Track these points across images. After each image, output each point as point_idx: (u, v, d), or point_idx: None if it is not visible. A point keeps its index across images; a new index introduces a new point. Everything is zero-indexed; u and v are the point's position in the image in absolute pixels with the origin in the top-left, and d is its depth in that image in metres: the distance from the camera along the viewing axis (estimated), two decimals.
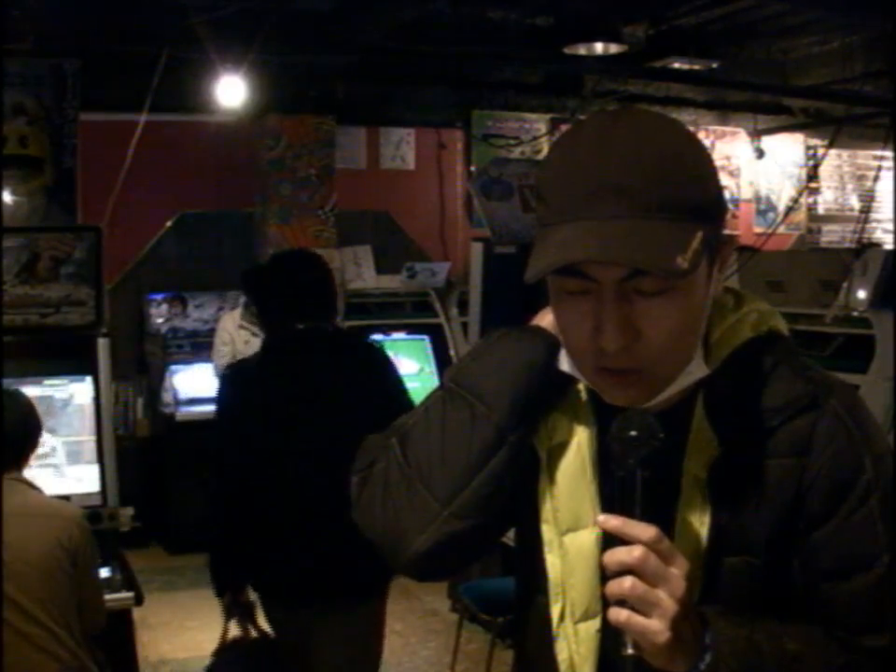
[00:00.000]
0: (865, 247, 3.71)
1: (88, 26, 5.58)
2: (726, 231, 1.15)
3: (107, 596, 2.87)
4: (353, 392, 2.83)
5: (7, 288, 3.56)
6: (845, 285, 3.28)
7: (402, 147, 7.67)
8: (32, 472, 2.89)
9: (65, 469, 3.51)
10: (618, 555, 1.01)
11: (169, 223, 6.96)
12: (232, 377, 3.02)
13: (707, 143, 8.91)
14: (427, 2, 5.60)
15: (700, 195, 1.08)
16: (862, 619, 1.13)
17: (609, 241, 1.02)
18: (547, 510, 1.19)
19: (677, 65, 6.67)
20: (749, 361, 1.16)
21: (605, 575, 1.10)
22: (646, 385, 1.11)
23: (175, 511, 6.21)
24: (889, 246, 5.72)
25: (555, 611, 1.18)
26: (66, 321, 3.65)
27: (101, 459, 3.50)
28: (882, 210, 8.80)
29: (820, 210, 9.42)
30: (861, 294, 3.22)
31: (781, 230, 7.60)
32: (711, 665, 1.04)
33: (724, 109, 8.26)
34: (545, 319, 1.23)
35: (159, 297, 6.63)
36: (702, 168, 1.10)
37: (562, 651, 1.17)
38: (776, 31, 6.66)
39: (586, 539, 1.16)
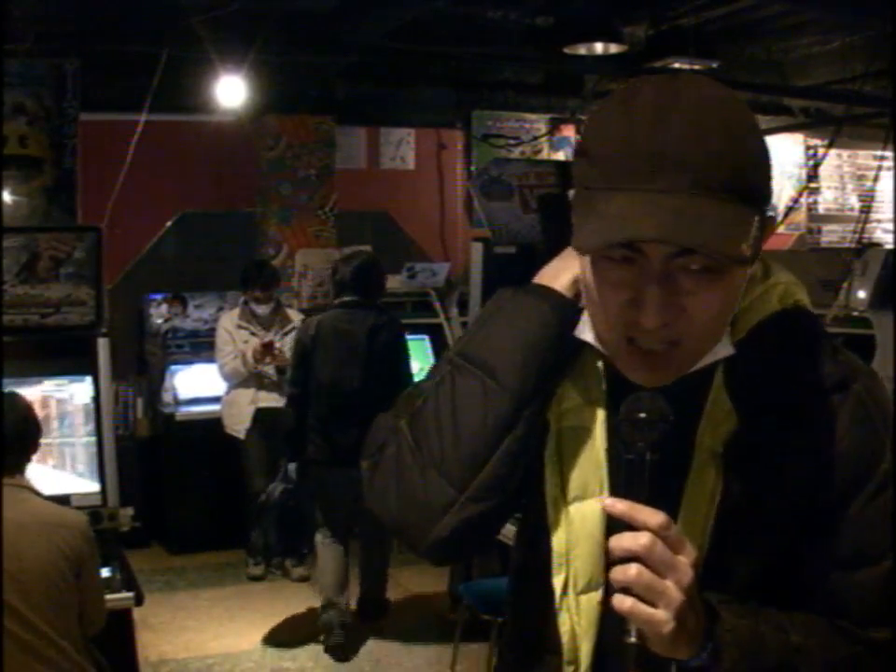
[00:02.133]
0: (865, 247, 3.71)
1: (88, 26, 5.58)
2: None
3: (107, 596, 2.86)
4: (379, 340, 4.63)
5: (6, 288, 3.56)
6: (845, 285, 3.28)
7: (402, 147, 7.67)
8: (31, 472, 2.88)
9: (65, 468, 3.51)
10: (624, 541, 0.98)
11: (169, 223, 6.96)
12: (304, 327, 4.81)
13: None
14: (427, 2, 5.60)
15: (759, 178, 1.04)
16: (869, 611, 1.11)
17: (672, 218, 0.97)
18: (553, 478, 1.15)
19: (677, 65, 6.66)
20: (776, 335, 1.13)
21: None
22: (671, 366, 1.07)
23: (175, 511, 6.20)
24: (889, 246, 5.72)
25: (558, 583, 1.15)
26: (66, 321, 3.65)
27: (101, 459, 3.50)
28: (882, 210, 8.79)
29: (820, 210, 9.42)
30: (861, 294, 3.22)
31: (781, 230, 7.60)
32: (713, 655, 1.03)
33: None
34: (561, 279, 1.16)
35: (159, 297, 6.63)
36: (761, 150, 1.06)
37: (564, 624, 1.15)
38: (776, 31, 6.66)
39: (592, 508, 1.13)
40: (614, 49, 5.76)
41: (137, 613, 3.23)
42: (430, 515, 1.13)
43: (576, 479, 1.15)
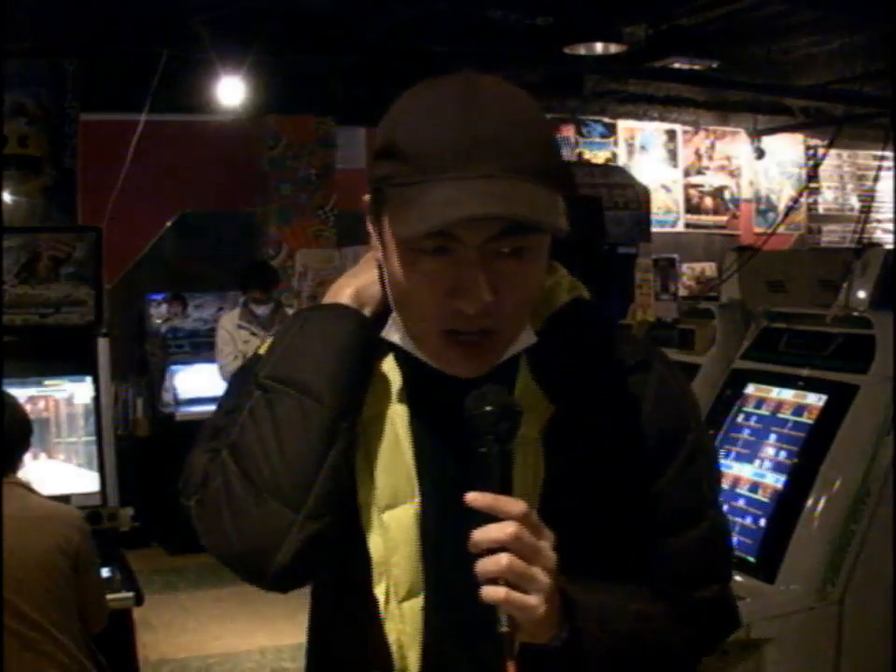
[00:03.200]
0: (865, 247, 3.70)
1: (88, 26, 5.58)
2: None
3: (107, 596, 2.86)
4: None
5: (7, 288, 3.56)
6: (845, 285, 3.28)
7: None
8: (32, 473, 2.88)
9: (65, 469, 3.51)
10: (491, 533, 0.99)
11: (169, 223, 6.96)
12: None
13: (706, 143, 8.93)
14: (427, 2, 5.60)
15: (556, 162, 1.10)
16: (692, 573, 1.18)
17: (499, 196, 1.00)
18: (365, 487, 1.15)
19: (677, 65, 6.67)
20: (572, 324, 1.18)
21: (427, 551, 1.11)
22: (491, 352, 1.10)
23: (175, 511, 6.18)
24: (889, 246, 5.72)
25: (380, 592, 1.14)
26: (66, 321, 3.65)
27: (101, 459, 3.50)
28: (882, 210, 8.80)
29: (820, 210, 9.43)
30: (861, 294, 3.22)
31: (781, 230, 7.60)
32: (575, 634, 1.05)
33: (724, 109, 8.26)
34: (345, 292, 1.19)
35: (159, 297, 6.63)
36: (555, 138, 1.12)
37: (391, 633, 1.14)
38: (776, 31, 6.66)
39: (405, 514, 1.14)
40: (614, 49, 5.76)
41: (137, 613, 3.23)
42: (271, 541, 1.12)
43: (387, 486, 1.15)
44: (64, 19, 5.51)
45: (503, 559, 0.98)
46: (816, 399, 2.86)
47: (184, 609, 5.34)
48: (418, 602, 1.14)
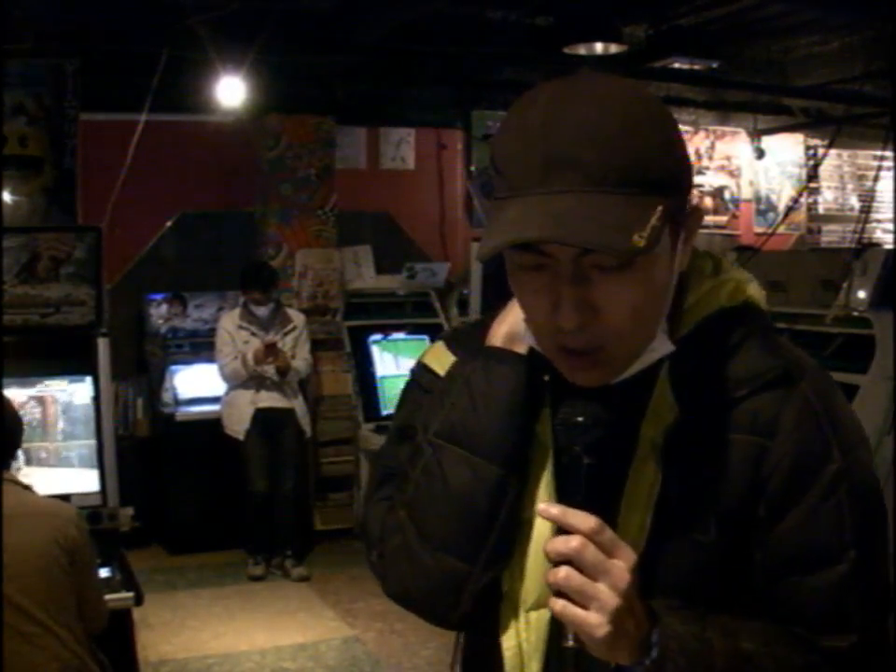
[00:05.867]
0: (865, 247, 3.71)
1: (88, 26, 5.58)
2: (695, 202, 1.10)
3: (107, 596, 2.87)
4: None
5: (7, 288, 3.56)
6: (845, 285, 3.29)
7: (402, 147, 7.67)
8: (31, 473, 2.89)
9: (65, 468, 3.51)
10: (556, 545, 0.99)
11: (169, 223, 6.95)
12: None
13: (706, 143, 8.93)
14: (427, 2, 5.60)
15: (663, 165, 1.03)
16: (824, 617, 1.08)
17: (558, 219, 0.97)
18: None
19: (677, 65, 6.67)
20: (720, 331, 1.12)
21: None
22: (607, 365, 1.07)
23: (175, 511, 6.21)
24: (889, 246, 5.71)
25: (508, 598, 1.15)
26: (66, 321, 3.66)
27: (101, 459, 3.50)
28: (882, 210, 8.79)
29: (820, 210, 9.42)
30: (861, 294, 3.23)
31: (781, 230, 7.60)
32: (657, 662, 1.01)
33: (724, 109, 8.26)
34: (500, 333, 1.18)
35: (159, 297, 6.63)
36: (666, 135, 1.05)
37: (510, 639, 1.14)
38: (776, 31, 6.66)
39: (542, 525, 1.12)
40: (614, 49, 5.76)
41: (137, 613, 3.23)
42: (451, 594, 1.15)
43: (527, 495, 1.14)
44: (64, 19, 5.51)
45: (561, 571, 0.98)
46: None
47: (184, 608, 5.34)
48: (546, 613, 1.11)
